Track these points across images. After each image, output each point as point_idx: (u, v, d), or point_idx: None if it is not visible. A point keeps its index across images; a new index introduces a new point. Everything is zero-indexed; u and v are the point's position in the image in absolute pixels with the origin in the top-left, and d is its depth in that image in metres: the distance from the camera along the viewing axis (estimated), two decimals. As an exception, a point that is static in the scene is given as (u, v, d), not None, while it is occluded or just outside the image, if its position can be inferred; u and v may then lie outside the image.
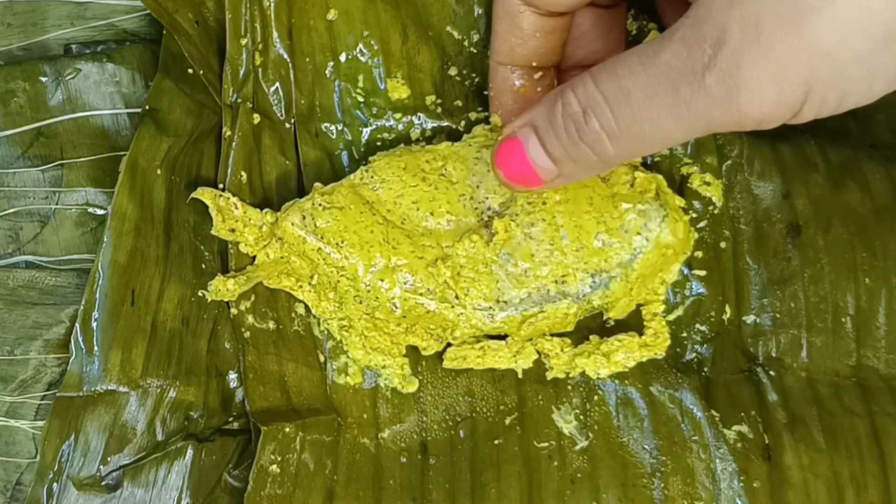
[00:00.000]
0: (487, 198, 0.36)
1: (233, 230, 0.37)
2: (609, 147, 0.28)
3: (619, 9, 0.37)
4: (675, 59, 0.25)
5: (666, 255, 0.36)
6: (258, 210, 0.37)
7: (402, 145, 0.38)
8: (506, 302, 0.35)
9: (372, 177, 0.36)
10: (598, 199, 0.35)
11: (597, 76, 0.28)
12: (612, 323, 0.37)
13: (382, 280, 0.35)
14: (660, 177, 0.36)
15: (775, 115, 0.25)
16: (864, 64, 0.23)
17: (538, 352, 0.37)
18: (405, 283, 0.35)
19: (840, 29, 0.23)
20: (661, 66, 0.26)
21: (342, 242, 0.35)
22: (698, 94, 0.25)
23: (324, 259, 0.35)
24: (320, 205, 0.35)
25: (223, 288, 0.36)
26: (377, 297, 0.35)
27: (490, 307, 0.35)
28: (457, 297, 0.35)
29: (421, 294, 0.35)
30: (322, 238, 0.35)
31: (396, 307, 0.35)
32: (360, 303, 0.36)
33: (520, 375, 0.37)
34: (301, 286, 0.37)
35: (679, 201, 0.37)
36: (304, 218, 0.35)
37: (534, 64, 0.35)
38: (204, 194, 0.37)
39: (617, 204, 0.35)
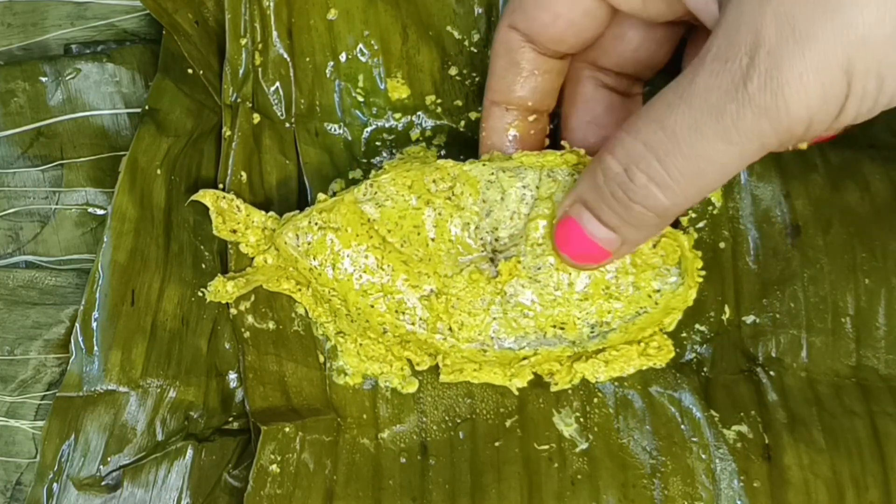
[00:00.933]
0: (496, 228, 0.34)
1: (234, 231, 0.37)
2: (662, 198, 0.27)
3: (635, 100, 0.36)
4: (712, 78, 0.24)
5: (671, 313, 0.35)
6: (261, 211, 0.37)
7: (407, 148, 0.38)
8: (500, 340, 0.35)
9: (376, 193, 0.34)
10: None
11: (632, 127, 0.27)
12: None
13: (373, 306, 0.35)
14: (683, 239, 0.33)
15: (822, 111, 0.24)
16: None
17: (534, 372, 0.37)
18: (396, 312, 0.35)
19: (873, 9, 0.22)
20: (700, 91, 0.25)
21: (335, 265, 0.34)
22: (744, 108, 0.24)
23: (315, 278, 0.35)
24: (316, 223, 0.35)
25: (222, 289, 0.36)
26: (367, 320, 0.35)
27: (483, 342, 0.35)
28: (450, 329, 0.34)
29: (412, 323, 0.35)
30: (315, 258, 0.35)
31: (386, 331, 0.35)
32: (352, 322, 0.36)
33: (515, 393, 0.37)
34: (300, 289, 0.37)
35: (698, 263, 0.35)
36: (297, 237, 0.35)
37: (529, 104, 0.35)
38: (205, 196, 0.36)
39: (635, 262, 0.33)
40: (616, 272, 0.33)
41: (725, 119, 0.24)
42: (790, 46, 0.23)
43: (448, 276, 0.34)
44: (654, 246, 0.33)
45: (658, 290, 0.34)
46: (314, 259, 0.35)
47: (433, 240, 0.34)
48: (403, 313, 0.35)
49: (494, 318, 0.34)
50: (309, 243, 0.35)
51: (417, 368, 0.37)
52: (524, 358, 0.35)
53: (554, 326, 0.34)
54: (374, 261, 0.34)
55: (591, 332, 0.34)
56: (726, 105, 0.24)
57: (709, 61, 0.25)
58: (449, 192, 0.34)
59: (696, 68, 0.25)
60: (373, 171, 0.36)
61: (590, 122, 0.35)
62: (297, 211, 0.36)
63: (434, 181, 0.34)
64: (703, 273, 0.37)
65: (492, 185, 0.34)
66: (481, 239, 0.34)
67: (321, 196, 0.35)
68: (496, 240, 0.34)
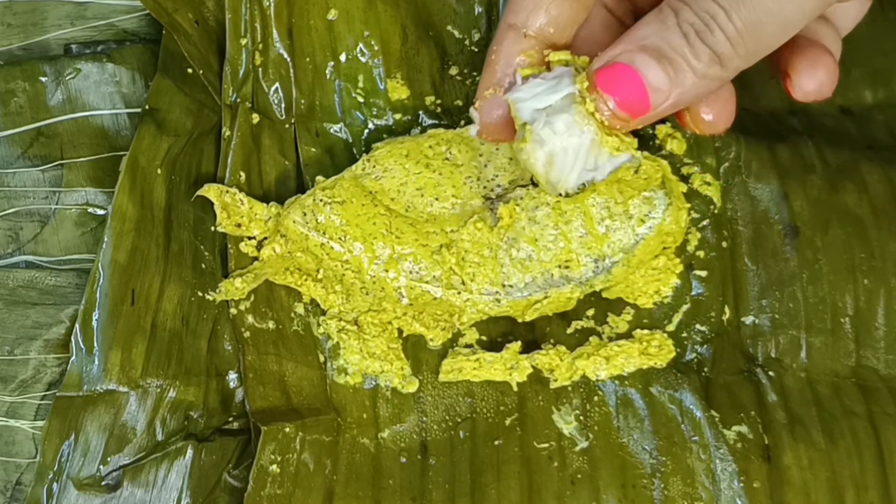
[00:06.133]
0: (497, 175, 0.36)
1: (239, 225, 0.37)
2: (730, 47, 0.27)
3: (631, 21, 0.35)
4: None
5: (665, 241, 0.36)
6: (263, 204, 0.37)
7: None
8: (511, 286, 0.36)
9: (374, 166, 0.36)
10: (602, 185, 0.33)
11: None
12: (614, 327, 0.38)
13: (387, 271, 0.35)
14: (665, 163, 0.35)
15: None
16: None
17: (533, 366, 0.37)
18: (410, 272, 0.36)
19: None
20: None
21: (345, 237, 0.35)
22: None
23: (327, 253, 0.36)
24: (321, 200, 0.36)
25: (232, 288, 0.36)
26: (383, 288, 0.36)
27: (496, 292, 0.36)
28: (463, 282, 0.35)
29: (427, 282, 0.36)
30: (324, 233, 0.35)
31: (403, 296, 0.36)
32: (367, 294, 0.36)
33: (514, 388, 0.37)
34: (307, 280, 0.37)
35: (682, 187, 0.36)
36: (304, 215, 0.36)
37: (551, 31, 0.32)
38: (210, 191, 0.37)
39: (622, 189, 0.35)
40: (606, 203, 0.35)
41: None
42: None
43: (454, 231, 0.35)
44: (636, 172, 0.34)
45: (649, 213, 0.35)
46: (324, 234, 0.35)
47: (437, 199, 0.36)
48: (417, 274, 0.36)
49: (503, 265, 0.35)
50: (317, 219, 0.35)
51: (431, 345, 0.37)
52: (536, 302, 0.36)
53: (559, 266, 0.35)
54: (383, 227, 0.36)
55: (596, 268, 0.35)
56: None
57: None
58: (446, 153, 0.36)
59: None
60: (373, 146, 0.37)
61: (586, 37, 0.34)
62: (300, 194, 0.37)
63: (430, 146, 0.36)
64: (704, 274, 0.38)
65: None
66: (484, 187, 0.36)
67: (320, 178, 0.36)
68: (498, 186, 0.36)
